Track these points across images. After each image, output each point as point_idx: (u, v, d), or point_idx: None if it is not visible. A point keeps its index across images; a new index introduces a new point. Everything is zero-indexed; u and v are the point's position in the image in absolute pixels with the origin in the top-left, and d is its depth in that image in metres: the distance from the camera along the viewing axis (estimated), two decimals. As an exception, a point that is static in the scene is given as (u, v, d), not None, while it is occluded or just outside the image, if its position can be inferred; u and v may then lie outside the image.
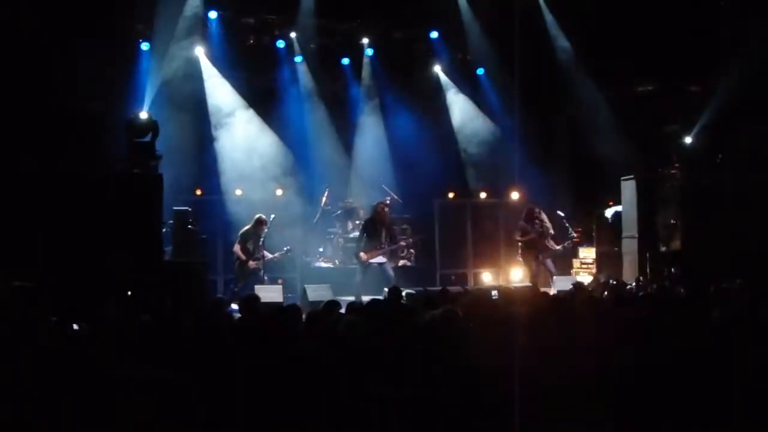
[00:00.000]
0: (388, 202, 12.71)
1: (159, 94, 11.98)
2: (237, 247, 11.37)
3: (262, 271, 11.50)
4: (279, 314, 5.89)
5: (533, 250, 11.97)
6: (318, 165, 14.24)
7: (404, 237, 13.20)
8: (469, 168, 15.07)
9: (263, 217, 11.49)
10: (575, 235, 12.91)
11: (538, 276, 11.92)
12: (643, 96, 12.83)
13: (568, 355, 4.45)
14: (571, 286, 8.81)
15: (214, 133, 13.37)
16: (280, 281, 11.69)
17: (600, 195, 13.77)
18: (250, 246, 11.29)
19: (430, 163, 14.18)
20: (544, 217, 12.04)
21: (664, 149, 12.42)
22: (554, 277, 11.84)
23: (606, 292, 8.28)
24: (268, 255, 11.51)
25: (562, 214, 12.81)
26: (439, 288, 9.31)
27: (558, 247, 12.25)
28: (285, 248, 11.64)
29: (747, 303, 6.08)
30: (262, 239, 11.37)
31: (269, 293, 10.22)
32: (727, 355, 4.41)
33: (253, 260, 11.31)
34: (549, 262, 12.21)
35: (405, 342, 4.78)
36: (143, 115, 10.35)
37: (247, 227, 11.43)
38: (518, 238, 12.13)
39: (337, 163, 14.59)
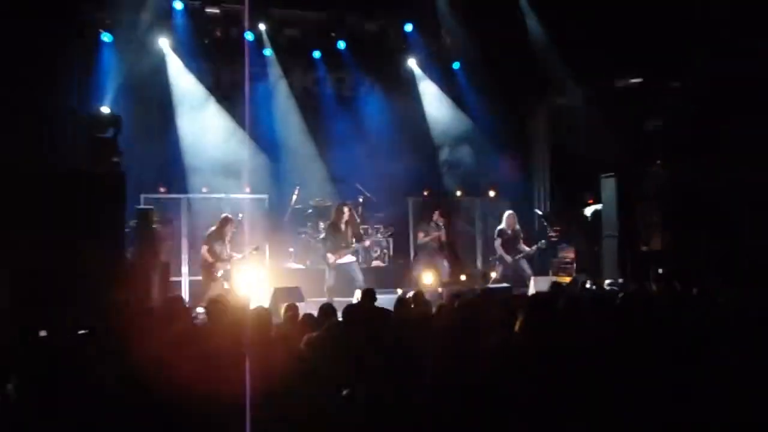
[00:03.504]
0: (350, 203, 12.84)
1: (122, 87, 11.91)
2: (204, 249, 11.25)
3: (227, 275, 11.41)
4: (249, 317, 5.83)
5: (437, 252, 12.30)
6: (288, 161, 14.27)
7: (369, 236, 13.35)
8: (445, 165, 15.21)
9: (230, 216, 11.43)
10: (553, 234, 13.07)
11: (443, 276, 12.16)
12: (624, 91, 12.92)
13: (542, 359, 4.51)
14: (549, 287, 8.92)
15: (179, 128, 13.26)
16: (246, 254, 11.44)
17: (579, 193, 13.94)
18: (217, 247, 11.16)
19: (405, 159, 14.29)
20: (441, 222, 12.38)
21: (645, 146, 12.55)
22: (532, 278, 12.05)
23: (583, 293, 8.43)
24: (237, 256, 11.42)
25: (540, 212, 13.02)
26: (414, 290, 9.27)
27: (531, 249, 12.52)
28: (252, 247, 11.57)
29: (727, 304, 6.23)
30: (228, 239, 11.27)
31: (238, 296, 9.96)
32: (698, 357, 4.58)
33: (221, 262, 11.24)
34: (525, 263, 12.44)
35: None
36: (105, 109, 10.23)
37: (213, 228, 11.30)
38: (422, 240, 12.33)
39: (308, 160, 14.61)
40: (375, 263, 14.25)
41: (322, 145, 14.79)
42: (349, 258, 11.60)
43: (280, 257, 13.64)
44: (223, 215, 11.42)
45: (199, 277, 11.32)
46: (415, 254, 12.56)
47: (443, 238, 12.40)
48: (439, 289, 11.26)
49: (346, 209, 11.74)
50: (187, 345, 4.79)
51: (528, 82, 14.26)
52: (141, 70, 12.44)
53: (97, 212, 8.84)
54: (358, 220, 13.81)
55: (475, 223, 14.85)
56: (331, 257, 11.50)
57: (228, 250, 11.25)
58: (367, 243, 12.57)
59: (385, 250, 14.46)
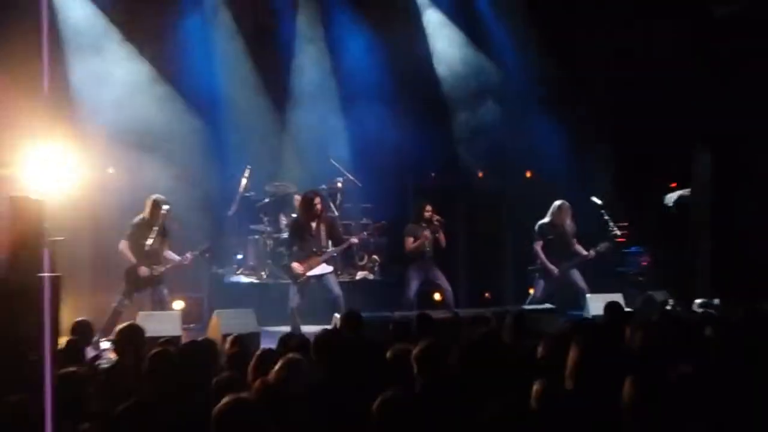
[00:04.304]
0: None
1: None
2: (123, 245, 11.41)
3: (162, 284, 11.56)
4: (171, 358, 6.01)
5: (424, 261, 12.53)
6: (235, 131, 14.38)
7: (356, 234, 13.30)
8: (461, 134, 15.25)
9: (161, 198, 11.56)
10: (619, 232, 12.97)
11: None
12: (726, 22, 12.53)
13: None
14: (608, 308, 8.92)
15: (72, 79, 13.00)
16: (190, 255, 11.64)
17: (657, 174, 14.03)
18: (143, 243, 11.32)
19: (403, 125, 14.36)
20: (435, 220, 12.49)
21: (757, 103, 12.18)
22: (588, 296, 12.03)
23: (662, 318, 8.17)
24: (174, 257, 11.57)
25: (600, 202, 12.94)
26: (416, 312, 9.33)
27: (588, 253, 12.59)
28: (201, 247, 11.76)
29: None
30: (155, 230, 11.40)
31: (160, 322, 10.11)
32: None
33: (148, 264, 11.33)
34: (576, 275, 12.58)
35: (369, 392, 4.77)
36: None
37: (138, 217, 11.46)
38: (410, 247, 12.51)
39: (263, 129, 14.78)
40: (361, 275, 14.33)
41: (283, 105, 14.92)
42: (323, 268, 11.67)
43: (222, 267, 13.91)
44: (153, 198, 11.52)
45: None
46: (405, 269, 12.63)
47: (441, 239, 12.50)
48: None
49: (317, 199, 11.74)
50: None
51: (585, 9, 14.23)
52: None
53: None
54: (336, 214, 13.83)
55: (502, 217, 15.06)
56: (297, 267, 11.52)
57: (157, 249, 11.46)
58: (354, 240, 12.54)
59: (375, 257, 14.53)
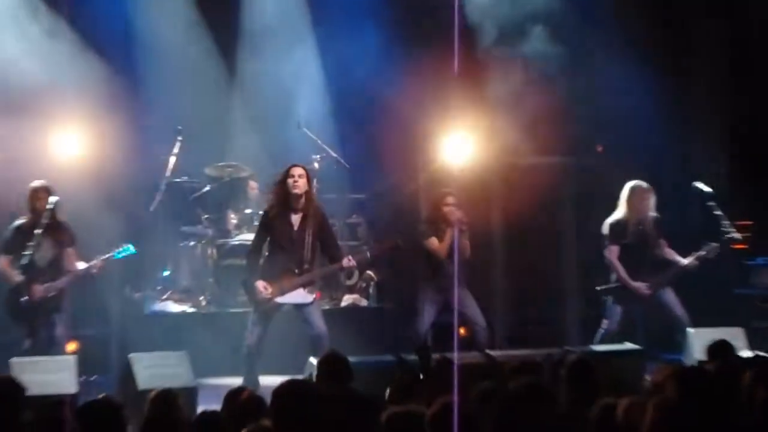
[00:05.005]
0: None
1: None
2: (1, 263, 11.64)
3: (57, 312, 11.66)
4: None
5: (443, 278, 12.65)
6: (161, 89, 14.55)
7: (358, 249, 13.45)
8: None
9: (44, 186, 11.72)
10: (738, 235, 12.88)
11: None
12: None
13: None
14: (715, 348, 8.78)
15: None
16: (99, 263, 11.79)
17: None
18: (27, 254, 11.43)
19: (410, 70, 14.45)
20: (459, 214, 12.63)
21: None
22: (691, 331, 11.95)
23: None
24: (79, 265, 11.71)
25: (708, 190, 12.96)
26: (437, 356, 9.02)
27: (689, 260, 12.66)
28: (118, 249, 11.91)
29: None
30: (40, 235, 11.49)
31: (47, 373, 10.26)
32: None
33: (34, 280, 11.48)
34: (670, 296, 12.64)
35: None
36: None
37: (16, 223, 11.68)
38: (436, 248, 12.70)
39: (202, 85, 15.04)
40: (349, 300, 14.42)
41: (232, 49, 15.28)
42: (301, 296, 11.62)
43: (141, 290, 13.99)
44: (34, 185, 11.73)
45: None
46: (416, 290, 12.87)
47: (466, 246, 12.69)
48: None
49: (298, 173, 11.68)
50: None
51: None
52: None
53: None
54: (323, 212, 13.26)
55: (563, 210, 15.25)
56: (262, 288, 11.43)
57: (52, 260, 11.61)
58: (349, 263, 12.19)
59: (369, 273, 14.69)
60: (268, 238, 11.74)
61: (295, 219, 11.59)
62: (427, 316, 12.52)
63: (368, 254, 13.06)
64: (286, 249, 11.57)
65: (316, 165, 14.55)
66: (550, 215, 15.35)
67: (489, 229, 14.66)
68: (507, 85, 14.29)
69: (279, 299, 11.51)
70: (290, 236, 11.57)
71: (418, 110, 14.08)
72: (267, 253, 11.79)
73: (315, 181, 13.93)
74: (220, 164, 14.51)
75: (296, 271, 11.55)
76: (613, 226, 12.72)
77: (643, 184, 12.68)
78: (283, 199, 11.63)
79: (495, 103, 14.26)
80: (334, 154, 14.80)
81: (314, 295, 11.78)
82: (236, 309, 12.66)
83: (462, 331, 12.94)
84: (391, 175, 15.19)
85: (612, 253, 12.66)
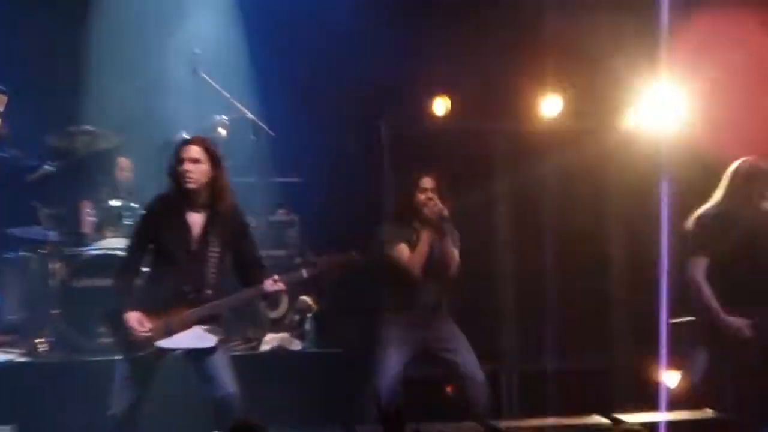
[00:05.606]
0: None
1: None
2: None
3: None
4: None
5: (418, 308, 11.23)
6: None
7: (289, 264, 12.40)
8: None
9: None
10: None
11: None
12: None
13: None
14: None
15: None
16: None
17: None
18: None
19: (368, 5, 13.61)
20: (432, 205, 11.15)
21: None
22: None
23: None
24: None
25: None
26: (411, 429, 7.67)
27: None
28: None
29: None
30: None
31: None
32: None
33: None
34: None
35: None
36: None
37: None
38: (408, 259, 11.23)
39: (43, 13, 13.81)
40: (273, 340, 12.52)
41: None
42: (199, 337, 9.52)
43: None
44: None
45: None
46: (377, 325, 11.44)
47: (448, 251, 10.92)
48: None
49: (193, 172, 9.51)
50: None
51: None
52: None
53: None
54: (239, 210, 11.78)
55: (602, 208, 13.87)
56: (137, 327, 9.28)
57: None
58: (275, 287, 9.98)
59: (305, 299, 13.00)
60: (151, 247, 9.47)
61: (195, 219, 9.43)
62: (394, 365, 10.51)
63: (303, 272, 10.31)
64: (179, 264, 9.33)
65: (222, 131, 13.09)
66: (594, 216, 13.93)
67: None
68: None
69: (164, 342, 9.29)
70: (186, 245, 9.37)
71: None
72: (148, 270, 9.51)
73: (223, 159, 11.04)
74: (69, 130, 12.65)
75: (192, 297, 9.28)
76: (700, 224, 10.26)
77: (758, 163, 10.36)
78: (177, 188, 9.72)
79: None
80: (251, 115, 13.13)
81: (215, 338, 9.42)
82: (95, 357, 10.83)
83: (449, 388, 11.78)
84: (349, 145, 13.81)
85: (697, 268, 10.22)
